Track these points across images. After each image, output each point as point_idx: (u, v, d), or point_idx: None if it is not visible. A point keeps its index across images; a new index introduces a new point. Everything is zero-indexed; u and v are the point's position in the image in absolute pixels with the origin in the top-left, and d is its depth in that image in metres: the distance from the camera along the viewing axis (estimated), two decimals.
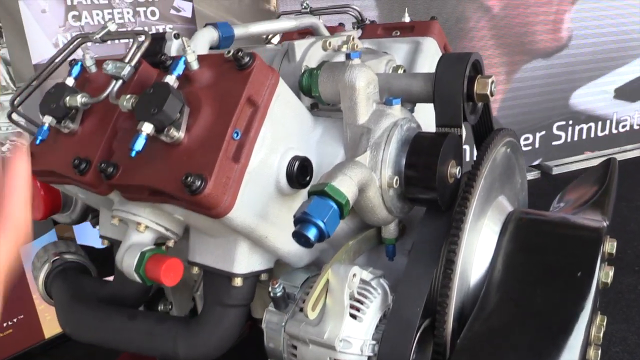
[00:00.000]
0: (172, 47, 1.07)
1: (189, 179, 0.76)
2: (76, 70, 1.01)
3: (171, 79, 0.84)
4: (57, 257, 1.33)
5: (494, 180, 1.04)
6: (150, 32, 1.11)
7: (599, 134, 5.37)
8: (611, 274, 0.96)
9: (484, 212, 1.01)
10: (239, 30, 1.13)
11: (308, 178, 0.92)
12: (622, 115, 5.19)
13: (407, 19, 1.44)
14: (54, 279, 1.29)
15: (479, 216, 0.98)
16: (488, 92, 0.95)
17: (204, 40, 1.06)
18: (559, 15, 4.11)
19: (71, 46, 1.10)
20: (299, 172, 0.90)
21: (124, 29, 2.99)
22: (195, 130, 0.83)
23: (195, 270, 1.00)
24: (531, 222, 1.07)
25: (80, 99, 0.95)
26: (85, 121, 0.99)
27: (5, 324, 2.89)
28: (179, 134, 0.82)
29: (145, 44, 0.96)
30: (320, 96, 0.96)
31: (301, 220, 0.75)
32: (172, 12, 3.55)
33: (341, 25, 1.53)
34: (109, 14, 3.28)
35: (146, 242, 0.96)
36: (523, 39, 4.06)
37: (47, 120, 0.98)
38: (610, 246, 1.01)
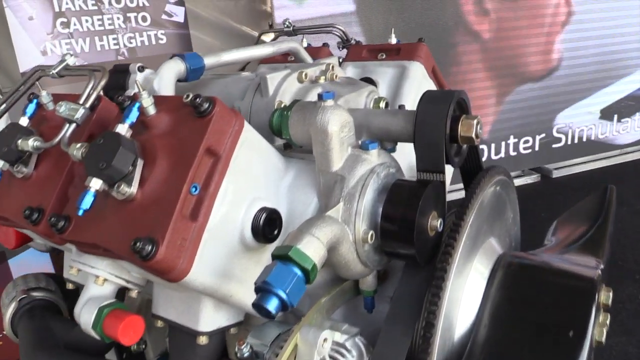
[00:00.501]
0: (137, 80, 1.00)
1: (137, 244, 0.69)
2: (31, 108, 0.95)
3: (123, 128, 0.77)
4: (24, 296, 1.26)
5: (481, 224, 0.96)
6: (116, 65, 1.05)
7: (600, 136, 5.29)
8: (606, 329, 0.89)
9: (470, 259, 0.94)
10: (209, 60, 1.06)
11: (276, 232, 0.85)
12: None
13: (393, 41, 1.36)
14: (20, 318, 1.23)
15: (464, 265, 0.91)
16: (473, 135, 0.87)
17: (169, 73, 0.99)
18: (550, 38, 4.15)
19: (30, 79, 1.03)
20: (266, 226, 0.83)
21: (83, 63, 2.88)
22: (150, 184, 0.76)
23: (160, 323, 0.93)
24: (520, 269, 1.00)
25: (32, 143, 0.88)
26: (39, 165, 0.92)
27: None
28: (131, 190, 0.75)
29: (102, 83, 0.89)
30: (291, 139, 0.89)
31: (261, 289, 0.68)
32: (164, 17, 3.48)
33: (325, 45, 1.46)
34: (98, 20, 3.21)
35: (106, 295, 0.90)
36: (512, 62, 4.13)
37: None
38: (605, 297, 0.93)
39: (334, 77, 1.07)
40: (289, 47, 1.21)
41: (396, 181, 0.86)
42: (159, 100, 0.82)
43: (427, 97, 0.89)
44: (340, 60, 1.49)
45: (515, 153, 5.02)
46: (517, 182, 5.05)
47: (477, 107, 4.27)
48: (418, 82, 1.26)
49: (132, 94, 0.80)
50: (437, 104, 0.88)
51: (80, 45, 3.11)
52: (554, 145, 5.14)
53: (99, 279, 0.88)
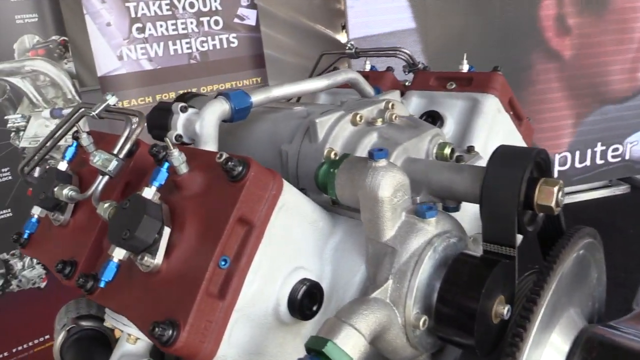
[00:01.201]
0: (179, 122, 0.94)
1: (156, 329, 0.62)
2: (70, 152, 0.91)
3: (150, 192, 0.70)
4: (73, 325, 1.26)
5: (559, 298, 0.82)
6: (159, 103, 0.99)
7: None
8: None
9: (543, 340, 0.80)
10: (257, 97, 0.98)
11: (316, 307, 0.75)
12: None
13: (465, 68, 1.22)
14: (68, 349, 1.22)
15: (537, 347, 0.78)
16: (553, 204, 0.73)
17: (213, 115, 0.92)
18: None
19: (73, 118, 0.99)
20: (305, 301, 0.74)
21: (156, 68, 2.91)
22: (177, 255, 0.69)
23: None
24: (604, 351, 0.85)
25: (66, 193, 0.84)
26: (76, 213, 0.88)
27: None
28: (155, 262, 0.68)
29: (138, 131, 0.83)
30: (338, 199, 0.79)
31: None
32: (236, 20, 3.46)
33: (389, 70, 1.34)
34: (172, 24, 3.24)
35: (139, 353, 0.85)
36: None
37: (36, 211, 0.88)
38: None
39: (393, 117, 0.96)
40: (347, 79, 1.10)
41: (458, 256, 0.74)
42: (192, 155, 0.75)
43: (498, 156, 0.76)
44: (407, 83, 1.37)
45: (602, 161, 4.65)
46: (604, 192, 4.66)
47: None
48: (491, 117, 1.12)
49: (167, 144, 0.73)
50: (511, 166, 0.74)
51: (155, 49, 3.16)
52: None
53: (131, 338, 0.83)
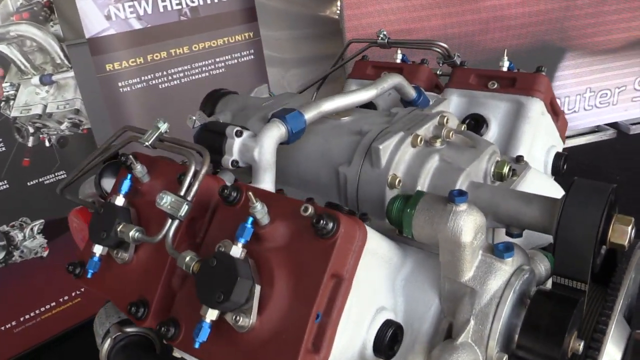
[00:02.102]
0: (235, 147, 0.91)
1: None
2: (126, 185, 0.88)
3: (237, 251, 0.69)
4: (118, 333, 1.27)
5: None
6: (210, 124, 0.96)
7: None
8: None
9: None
10: (310, 115, 0.95)
11: (396, 347, 0.77)
12: None
13: (505, 65, 1.20)
14: (115, 356, 1.24)
15: None
16: (626, 242, 0.75)
17: (271, 141, 0.89)
18: None
19: (118, 142, 0.96)
20: (390, 343, 0.75)
21: (147, 26, 2.76)
22: (268, 312, 0.69)
23: None
24: None
25: (132, 234, 0.83)
26: (140, 250, 0.87)
27: (74, 293, 3.03)
28: (250, 322, 0.69)
29: (204, 170, 0.81)
30: (414, 237, 0.79)
31: None
32: None
33: (424, 62, 1.30)
34: None
35: None
36: None
37: (98, 250, 0.86)
38: None
39: (450, 135, 0.95)
40: (393, 84, 1.07)
41: (536, 295, 0.76)
42: (269, 201, 0.74)
43: (575, 193, 0.77)
44: (438, 72, 1.34)
45: (590, 107, 4.70)
46: (591, 138, 4.75)
47: None
48: (536, 121, 1.12)
49: (249, 198, 0.71)
50: (588, 204, 0.75)
51: (144, 6, 3.00)
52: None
53: None
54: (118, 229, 0.84)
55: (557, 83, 4.19)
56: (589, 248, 0.74)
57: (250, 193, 0.71)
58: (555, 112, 1.20)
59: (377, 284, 0.79)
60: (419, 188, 0.88)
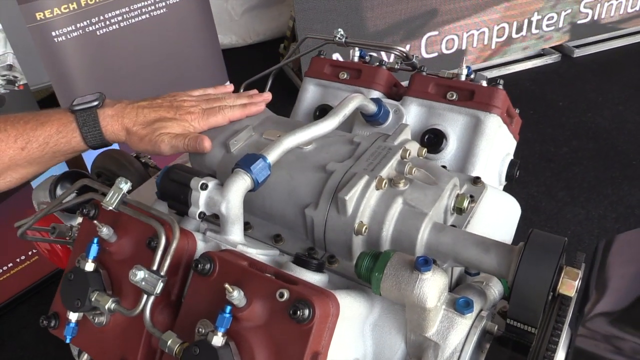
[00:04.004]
0: (200, 201, 0.91)
1: None
2: (94, 251, 0.87)
3: (218, 340, 0.72)
4: None
5: None
6: (170, 172, 0.94)
7: (629, 9, 4.99)
8: None
9: None
10: (274, 156, 0.95)
11: None
12: None
13: (464, 72, 1.20)
14: None
15: None
16: (573, 294, 0.83)
17: (237, 195, 0.89)
18: None
19: (77, 198, 0.93)
20: None
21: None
22: None
23: None
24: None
25: (109, 305, 0.84)
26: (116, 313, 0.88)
27: (30, 252, 3.00)
28: None
29: (174, 244, 0.81)
30: (382, 295, 0.84)
31: None
32: None
33: (382, 65, 1.29)
34: None
35: None
36: None
37: (74, 317, 0.87)
38: None
39: (413, 172, 0.97)
40: (354, 107, 1.07)
41: (492, 345, 0.84)
42: (244, 280, 0.76)
43: (530, 248, 0.82)
44: (396, 65, 1.33)
45: (537, 31, 4.75)
46: (537, 62, 4.85)
47: None
48: (493, 135, 1.15)
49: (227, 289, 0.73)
50: (541, 262, 0.81)
51: None
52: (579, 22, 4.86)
53: None
54: (92, 298, 0.84)
55: None
56: (540, 301, 0.82)
57: (227, 285, 0.73)
58: (510, 116, 1.23)
59: (348, 339, 0.84)
60: (383, 234, 0.91)
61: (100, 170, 1.55)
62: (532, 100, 4.40)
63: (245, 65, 5.18)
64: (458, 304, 0.83)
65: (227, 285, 0.73)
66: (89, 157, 2.92)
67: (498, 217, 1.10)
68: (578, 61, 4.89)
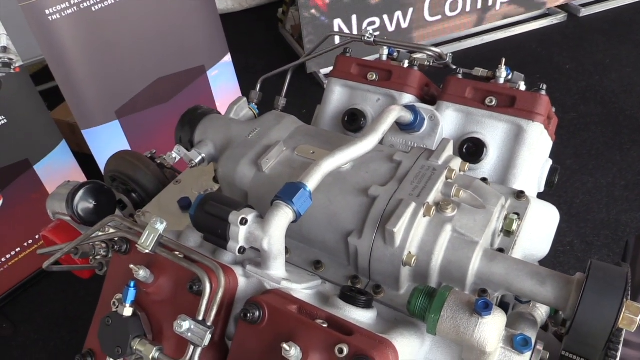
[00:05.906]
0: (240, 235, 0.86)
1: None
2: (131, 296, 0.83)
3: None
4: None
5: None
6: (208, 207, 0.89)
7: None
8: None
9: None
10: (314, 183, 0.90)
11: None
12: None
13: (502, 75, 1.13)
14: None
15: None
16: (633, 329, 0.80)
17: (280, 230, 0.85)
18: None
19: (104, 234, 0.89)
20: None
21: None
22: None
23: None
24: None
25: (153, 354, 0.80)
26: None
27: (37, 236, 2.97)
28: None
29: (220, 293, 0.77)
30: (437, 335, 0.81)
31: None
32: None
33: (413, 65, 1.21)
34: None
35: None
36: None
37: None
38: None
39: (460, 194, 0.93)
40: (395, 119, 1.01)
41: None
42: (300, 332, 0.73)
43: (593, 284, 0.79)
44: (427, 64, 1.26)
45: None
46: (543, 23, 4.72)
47: None
48: (536, 144, 1.09)
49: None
50: (605, 297, 0.78)
51: None
52: None
53: None
54: (134, 347, 0.81)
55: None
56: (603, 338, 0.79)
57: (284, 345, 0.69)
58: (549, 118, 1.17)
59: None
60: (432, 264, 0.87)
61: (114, 174, 1.49)
62: (538, 63, 4.29)
63: (243, 32, 5.02)
64: (516, 343, 0.80)
65: (284, 345, 0.69)
66: (102, 159, 2.84)
67: (541, 230, 1.06)
68: (584, 21, 4.75)
